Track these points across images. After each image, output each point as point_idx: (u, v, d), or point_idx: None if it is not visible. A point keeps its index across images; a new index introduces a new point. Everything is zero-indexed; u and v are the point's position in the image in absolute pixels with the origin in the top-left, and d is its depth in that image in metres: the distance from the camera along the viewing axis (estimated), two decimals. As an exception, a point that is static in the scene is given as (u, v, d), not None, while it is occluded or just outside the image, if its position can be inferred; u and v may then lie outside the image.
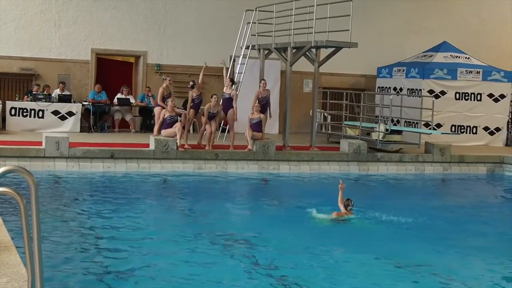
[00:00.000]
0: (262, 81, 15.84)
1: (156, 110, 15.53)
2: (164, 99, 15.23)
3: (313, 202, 11.02)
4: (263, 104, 15.40)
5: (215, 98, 14.93)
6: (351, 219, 9.99)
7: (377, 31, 21.01)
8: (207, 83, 19.71)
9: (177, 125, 14.28)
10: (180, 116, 15.17)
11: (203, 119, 14.90)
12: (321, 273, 7.36)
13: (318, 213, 10.19)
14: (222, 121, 16.63)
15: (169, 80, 15.94)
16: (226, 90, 15.44)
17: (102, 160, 13.64)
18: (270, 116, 16.04)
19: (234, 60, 17.98)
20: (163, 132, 14.36)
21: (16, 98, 17.21)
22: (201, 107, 15.51)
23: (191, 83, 15.43)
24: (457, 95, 19.37)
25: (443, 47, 20.21)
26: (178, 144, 14.02)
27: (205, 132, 15.02)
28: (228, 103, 15.26)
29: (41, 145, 13.47)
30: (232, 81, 15.76)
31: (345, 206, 10.05)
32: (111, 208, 10.36)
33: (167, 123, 14.39)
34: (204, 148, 14.62)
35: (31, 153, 13.29)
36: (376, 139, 16.25)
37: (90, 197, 11.24)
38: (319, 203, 10.79)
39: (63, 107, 16.89)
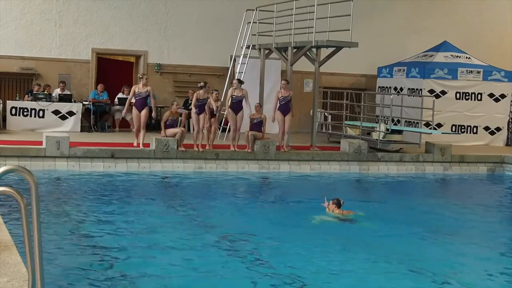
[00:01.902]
0: (283, 81, 15.42)
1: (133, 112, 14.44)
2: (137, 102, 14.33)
3: (314, 202, 11.02)
4: (284, 104, 15.13)
5: (216, 93, 14.70)
6: (352, 218, 9.99)
7: (377, 31, 21.01)
8: (207, 83, 19.67)
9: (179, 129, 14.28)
10: (181, 116, 15.10)
11: (200, 118, 14.61)
12: (322, 272, 7.36)
13: (318, 212, 10.18)
14: (223, 121, 16.62)
15: (143, 78, 14.57)
16: (237, 93, 14.75)
17: (103, 159, 13.65)
18: (293, 115, 15.50)
19: (234, 60, 17.98)
20: (168, 131, 14.21)
21: (17, 98, 17.22)
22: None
23: (202, 83, 14.68)
24: (458, 95, 19.37)
25: (443, 46, 20.20)
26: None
27: (204, 131, 14.94)
28: (239, 105, 14.84)
29: (42, 145, 13.48)
30: (240, 81, 15.20)
31: (337, 205, 10.05)
32: (112, 207, 10.36)
33: (168, 125, 14.28)
34: (204, 148, 14.58)
35: (32, 153, 13.30)
36: (377, 139, 16.25)
37: (91, 197, 11.23)
38: (320, 202, 10.78)
39: (64, 107, 16.89)
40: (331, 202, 10.15)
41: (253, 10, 17.41)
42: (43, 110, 16.65)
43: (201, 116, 14.41)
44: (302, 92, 20.43)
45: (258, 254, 7.96)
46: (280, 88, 15.37)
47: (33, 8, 18.27)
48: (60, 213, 9.64)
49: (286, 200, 11.99)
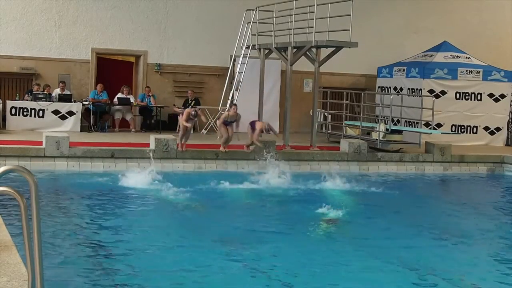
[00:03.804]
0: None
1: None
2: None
3: (313, 202, 11.02)
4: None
5: (234, 108, 14.55)
6: (351, 218, 9.99)
7: (377, 31, 21.01)
8: (207, 83, 19.76)
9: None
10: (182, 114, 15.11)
11: (218, 123, 14.76)
12: (321, 272, 7.35)
13: (318, 213, 10.19)
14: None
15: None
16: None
17: (103, 159, 13.65)
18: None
19: (234, 60, 17.98)
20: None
21: (17, 98, 17.22)
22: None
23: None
24: (458, 94, 19.37)
25: (443, 46, 20.20)
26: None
27: (204, 132, 14.96)
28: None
29: (42, 145, 13.47)
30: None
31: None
32: (111, 207, 10.37)
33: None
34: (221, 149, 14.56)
35: (32, 153, 13.29)
36: (377, 139, 16.26)
37: (90, 197, 11.23)
38: (319, 202, 10.79)
39: (63, 107, 16.90)
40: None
41: (253, 10, 17.40)
42: (43, 110, 16.66)
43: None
44: (302, 92, 20.44)
45: (257, 254, 7.95)
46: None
47: (33, 8, 18.27)
48: (60, 213, 9.64)
49: (285, 200, 11.98)
